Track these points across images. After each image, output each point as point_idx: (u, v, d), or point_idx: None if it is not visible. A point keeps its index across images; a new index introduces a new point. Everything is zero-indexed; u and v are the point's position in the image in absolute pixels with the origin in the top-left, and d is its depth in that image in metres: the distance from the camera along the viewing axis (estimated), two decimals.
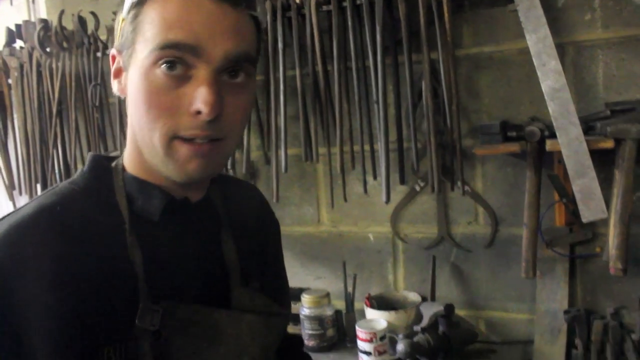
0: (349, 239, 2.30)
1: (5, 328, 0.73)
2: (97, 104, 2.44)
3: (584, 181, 1.68)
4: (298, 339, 1.30)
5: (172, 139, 0.78)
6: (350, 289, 2.18)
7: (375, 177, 2.07)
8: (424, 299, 2.14)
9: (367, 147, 2.06)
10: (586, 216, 1.68)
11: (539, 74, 1.78)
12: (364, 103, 2.02)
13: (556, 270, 1.97)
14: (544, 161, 1.86)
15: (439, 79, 1.91)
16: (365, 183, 2.06)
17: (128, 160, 0.88)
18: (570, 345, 1.95)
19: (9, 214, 0.81)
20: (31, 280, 0.73)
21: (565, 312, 1.93)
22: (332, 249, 2.32)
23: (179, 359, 0.82)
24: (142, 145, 0.83)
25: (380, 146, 1.94)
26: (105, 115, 2.49)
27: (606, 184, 1.77)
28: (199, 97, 0.76)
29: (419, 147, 1.99)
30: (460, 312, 2.14)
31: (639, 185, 1.86)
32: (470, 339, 2.02)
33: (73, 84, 2.47)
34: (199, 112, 0.77)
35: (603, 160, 1.80)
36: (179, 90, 0.77)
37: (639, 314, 1.85)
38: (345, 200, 2.15)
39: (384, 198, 1.93)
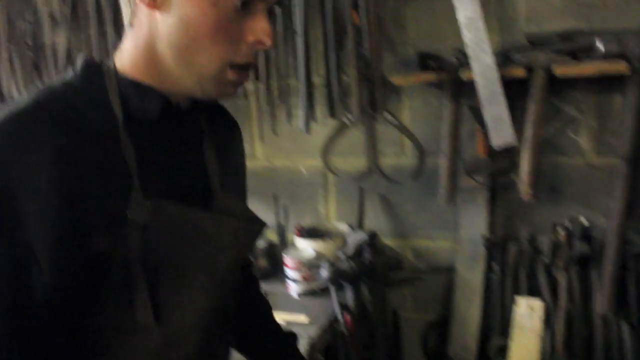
0: (282, 173, 2.34)
1: (3, 211, 0.77)
2: (30, 43, 2.42)
3: (494, 108, 1.73)
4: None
5: (227, 64, 0.87)
6: (282, 222, 2.23)
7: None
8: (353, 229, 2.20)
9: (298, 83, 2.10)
10: (496, 142, 1.74)
11: (455, 3, 1.80)
12: (289, 37, 2.03)
13: (477, 199, 2.03)
14: (465, 93, 1.91)
15: (361, 12, 1.92)
16: (290, 116, 2.10)
17: (128, 63, 0.91)
18: (489, 270, 2.04)
19: (4, 106, 0.84)
20: (29, 167, 0.77)
21: (484, 238, 2.01)
22: (267, 183, 2.36)
23: (162, 252, 0.87)
24: (175, 59, 0.88)
25: (300, 78, 1.97)
26: (40, 53, 2.47)
27: (523, 114, 1.82)
28: (264, 30, 0.86)
29: (347, 81, 2.02)
30: (388, 241, 2.21)
31: (554, 115, 1.92)
32: (395, 265, 2.09)
33: (6, 25, 2.45)
34: (258, 42, 0.87)
35: (520, 92, 1.84)
36: (241, 22, 0.86)
37: (549, 238, 1.93)
38: (276, 134, 2.19)
39: (300, 125, 1.97)
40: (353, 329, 1.94)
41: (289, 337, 1.32)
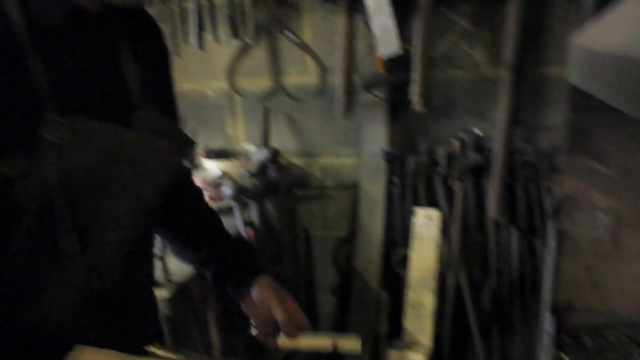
0: (190, 96, 2.34)
1: None
2: None
3: (381, 18, 1.74)
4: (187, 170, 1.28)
5: None
6: None
7: (212, 32, 2.11)
8: None
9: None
10: (383, 52, 1.76)
11: None
12: None
13: (377, 114, 2.06)
14: (361, 8, 1.90)
15: None
16: (187, 36, 2.09)
17: None
18: (390, 183, 2.09)
19: None
20: None
21: (384, 152, 2.05)
22: None
23: (82, 175, 0.80)
24: None
25: None
26: None
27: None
28: None
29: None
30: (295, 159, 2.24)
31: (448, 29, 1.94)
32: (300, 182, 2.13)
33: None
34: None
35: (413, 4, 1.84)
36: None
37: (445, 150, 1.99)
38: (180, 56, 2.17)
39: (191, 42, 1.97)
40: (256, 243, 1.99)
41: (241, 245, 1.23)
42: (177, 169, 1.02)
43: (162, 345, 0.85)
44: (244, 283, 1.13)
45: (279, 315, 1.06)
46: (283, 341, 1.06)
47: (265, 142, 2.18)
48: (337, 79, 1.92)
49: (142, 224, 0.96)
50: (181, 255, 1.21)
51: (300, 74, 2.16)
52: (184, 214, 1.18)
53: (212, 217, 1.23)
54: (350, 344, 1.07)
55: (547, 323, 1.66)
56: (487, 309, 2.03)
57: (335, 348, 1.06)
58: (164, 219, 1.13)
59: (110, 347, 0.84)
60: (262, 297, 1.10)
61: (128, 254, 0.93)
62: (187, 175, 1.24)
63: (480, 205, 1.97)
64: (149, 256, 1.09)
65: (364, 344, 1.08)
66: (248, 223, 1.98)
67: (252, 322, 1.09)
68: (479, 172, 1.96)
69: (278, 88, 2.16)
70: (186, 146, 1.00)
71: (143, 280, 1.06)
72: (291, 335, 1.06)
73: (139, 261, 1.01)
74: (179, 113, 1.10)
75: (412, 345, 1.98)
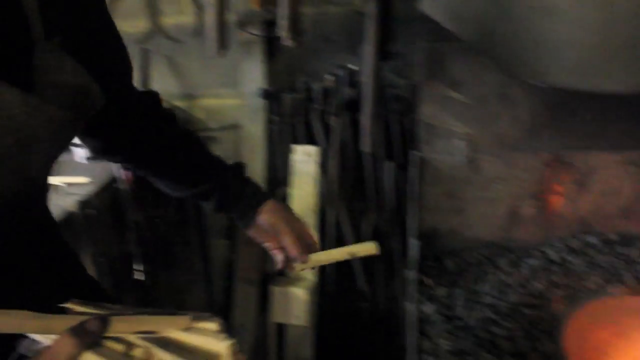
0: None
1: None
2: None
3: None
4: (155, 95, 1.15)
5: None
6: None
7: None
8: None
9: None
10: None
11: None
12: None
13: (253, 52, 2.05)
14: None
15: None
16: None
17: None
18: (270, 122, 2.09)
19: None
20: None
21: (261, 90, 2.05)
22: None
23: None
24: None
25: None
26: None
27: None
28: None
29: None
30: (178, 102, 2.22)
31: None
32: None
33: None
34: None
35: None
36: None
37: (321, 85, 2.00)
38: None
39: None
40: (135, 186, 1.98)
41: (239, 170, 1.16)
42: (71, 137, 0.84)
43: (83, 301, 0.77)
44: (250, 211, 1.09)
45: (285, 240, 1.05)
46: (299, 265, 1.07)
47: (144, 85, 2.14)
48: (209, 17, 1.89)
49: (31, 195, 0.85)
50: (176, 191, 1.12)
51: (177, 14, 2.12)
52: (163, 148, 1.09)
53: (196, 144, 1.14)
54: (367, 248, 1.10)
55: (412, 249, 1.71)
56: None
57: (352, 256, 1.08)
58: (142, 160, 1.09)
59: (22, 308, 0.71)
60: (270, 222, 1.08)
61: (18, 223, 0.82)
62: (155, 104, 1.13)
63: (357, 140, 2.00)
64: (44, 213, 0.96)
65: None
66: (128, 166, 1.95)
67: (266, 249, 1.09)
68: (354, 107, 1.98)
69: (156, 29, 2.12)
70: (90, 102, 0.82)
71: (41, 237, 0.94)
72: (299, 259, 1.05)
73: (33, 223, 0.91)
74: (111, 52, 0.95)
75: (295, 281, 2.01)
